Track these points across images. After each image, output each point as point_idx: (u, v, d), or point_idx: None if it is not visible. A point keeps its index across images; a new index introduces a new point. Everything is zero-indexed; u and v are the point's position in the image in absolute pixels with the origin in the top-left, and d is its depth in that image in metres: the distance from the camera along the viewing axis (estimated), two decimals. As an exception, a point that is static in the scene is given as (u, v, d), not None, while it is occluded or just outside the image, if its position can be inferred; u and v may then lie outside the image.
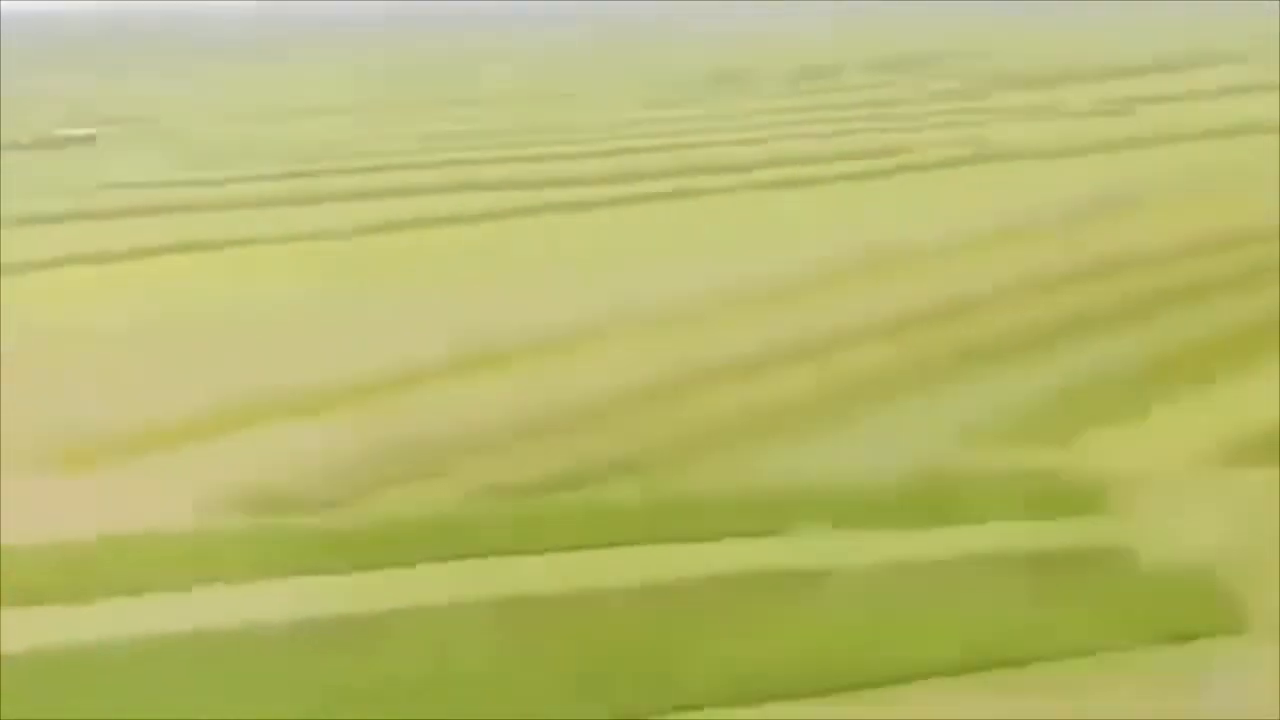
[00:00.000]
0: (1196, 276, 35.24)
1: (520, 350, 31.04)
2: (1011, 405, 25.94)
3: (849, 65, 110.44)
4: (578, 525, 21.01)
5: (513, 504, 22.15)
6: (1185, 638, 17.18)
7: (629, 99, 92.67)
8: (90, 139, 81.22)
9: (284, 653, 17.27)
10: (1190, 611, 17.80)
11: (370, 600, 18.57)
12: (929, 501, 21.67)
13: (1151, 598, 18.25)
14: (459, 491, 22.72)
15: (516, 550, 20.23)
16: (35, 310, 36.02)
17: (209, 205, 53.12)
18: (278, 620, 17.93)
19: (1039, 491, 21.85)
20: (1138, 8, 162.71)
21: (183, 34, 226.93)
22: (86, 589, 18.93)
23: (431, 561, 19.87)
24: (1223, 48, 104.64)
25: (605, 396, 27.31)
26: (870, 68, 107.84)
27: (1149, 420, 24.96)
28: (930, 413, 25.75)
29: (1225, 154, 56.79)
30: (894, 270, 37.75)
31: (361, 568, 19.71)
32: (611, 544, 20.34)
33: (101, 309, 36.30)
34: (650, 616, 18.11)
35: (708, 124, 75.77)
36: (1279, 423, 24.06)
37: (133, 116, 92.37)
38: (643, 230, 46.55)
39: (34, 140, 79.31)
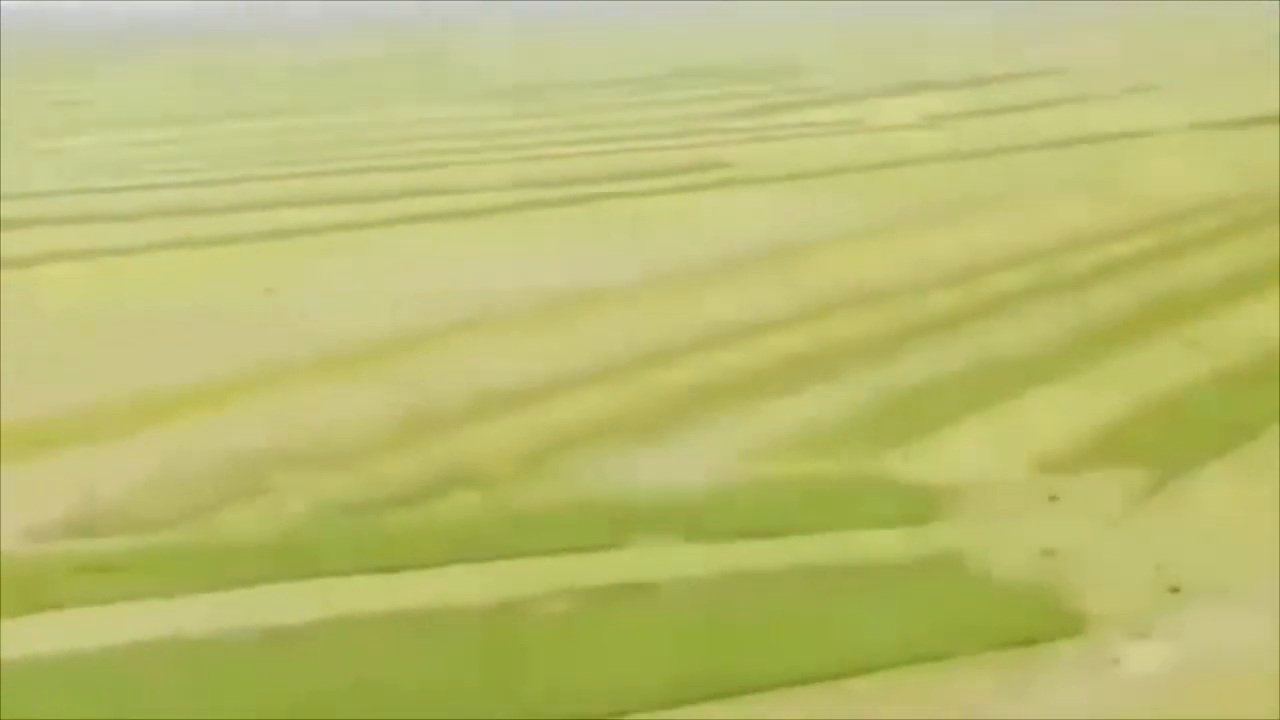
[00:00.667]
0: (1015, 286, 36.08)
1: (355, 362, 30.83)
2: (843, 414, 26.21)
3: (661, 76, 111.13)
4: (418, 542, 20.80)
5: (352, 521, 21.87)
6: (1024, 642, 17.50)
7: (433, 108, 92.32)
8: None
9: (117, 676, 16.89)
10: (1028, 616, 18.15)
11: (205, 622, 18.20)
12: (765, 512, 21.82)
13: (990, 604, 18.59)
14: (298, 508, 22.42)
15: (356, 569, 19.96)
16: None
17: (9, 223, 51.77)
18: (107, 645, 17.57)
19: (875, 500, 22.13)
20: (950, 21, 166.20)
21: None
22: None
23: (271, 581, 19.57)
24: (1037, 61, 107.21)
25: (442, 409, 27.13)
26: (684, 78, 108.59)
27: (977, 427, 25.43)
28: (764, 422, 25.92)
29: (1039, 166, 58.16)
30: (714, 282, 38.12)
31: (198, 589, 19.32)
32: (452, 561, 20.19)
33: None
34: (493, 633, 17.98)
35: (516, 136, 75.94)
36: (1097, 428, 24.73)
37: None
38: (463, 241, 46.36)
39: None
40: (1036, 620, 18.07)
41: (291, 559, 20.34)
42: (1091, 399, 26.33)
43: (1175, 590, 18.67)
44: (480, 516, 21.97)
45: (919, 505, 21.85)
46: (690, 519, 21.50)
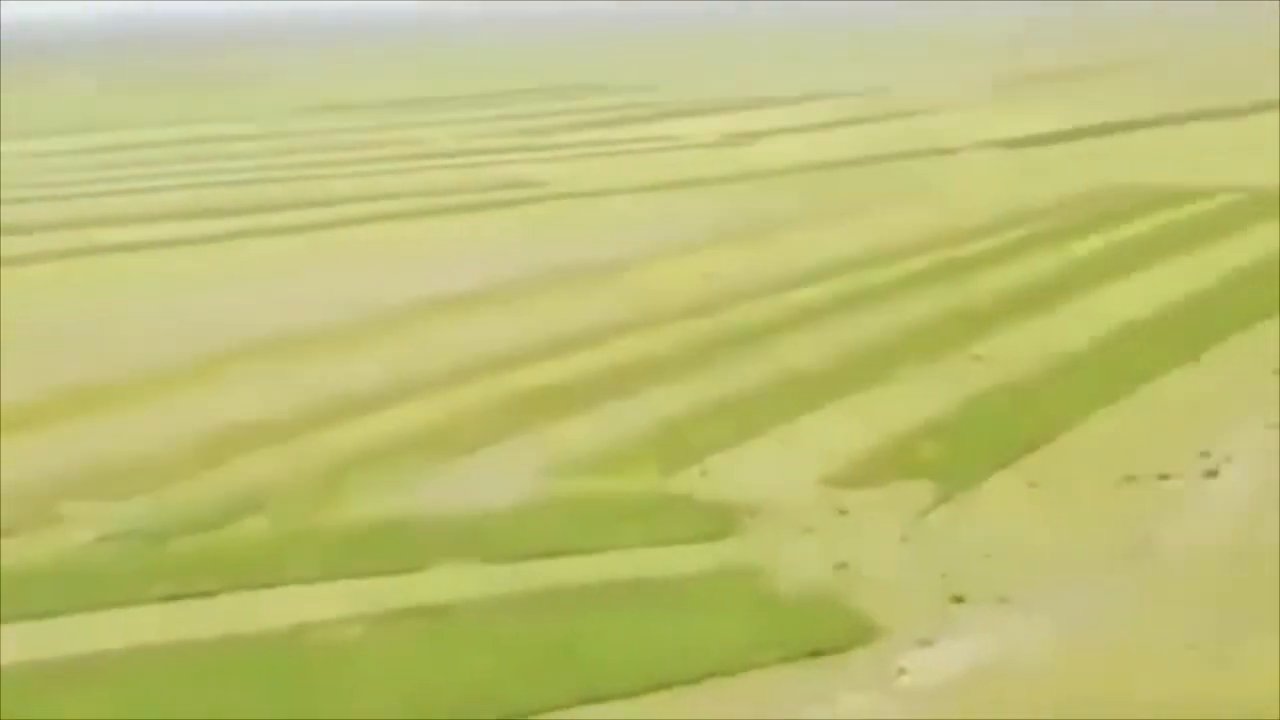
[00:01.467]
0: (814, 302, 36.59)
1: (137, 387, 30.31)
2: (640, 432, 26.36)
3: (477, 95, 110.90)
4: (207, 568, 20.46)
5: (141, 548, 21.45)
6: (815, 653, 17.77)
7: (244, 125, 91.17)
8: None
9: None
10: (820, 628, 18.40)
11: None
12: (561, 531, 21.82)
13: (783, 617, 18.81)
14: (85, 537, 21.94)
15: (145, 598, 19.58)
16: None
17: None
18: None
19: (671, 517, 22.25)
20: (767, 40, 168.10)
21: None
22: None
23: (58, 613, 19.14)
24: (855, 80, 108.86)
25: (234, 433, 26.76)
26: (501, 97, 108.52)
27: (771, 443, 25.69)
28: (562, 441, 25.96)
29: (844, 183, 59.04)
30: (512, 301, 38.16)
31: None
32: (242, 586, 19.91)
33: None
34: (284, 659, 17.79)
35: (330, 152, 75.41)
36: (886, 442, 25.15)
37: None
38: (274, 260, 45.84)
39: None
40: (827, 632, 18.32)
41: (78, 588, 19.92)
42: (882, 413, 26.76)
43: (959, 600, 19.08)
44: (271, 541, 21.69)
45: (714, 521, 22.03)
46: (486, 540, 21.43)
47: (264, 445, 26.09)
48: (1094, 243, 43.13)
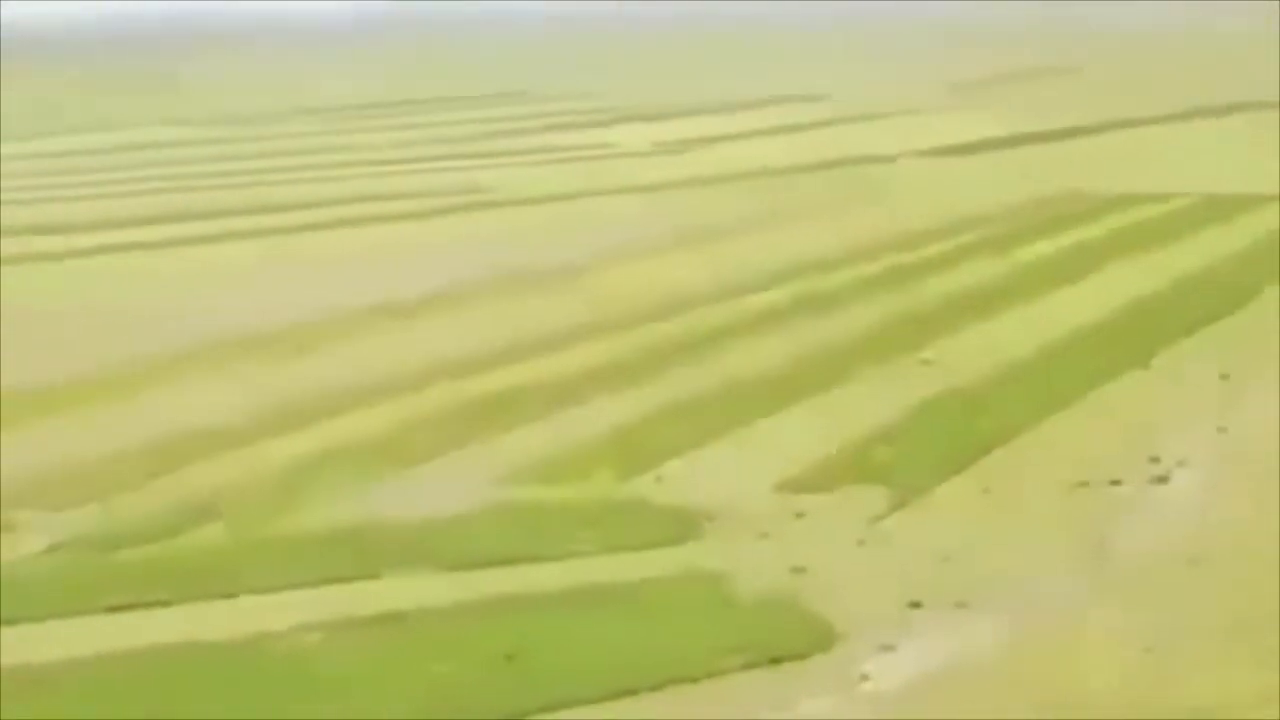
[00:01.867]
0: (765, 308, 36.69)
1: (87, 394, 30.01)
2: (596, 438, 26.36)
3: (418, 101, 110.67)
4: (162, 577, 20.31)
5: (95, 557, 21.26)
6: (776, 659, 17.77)
7: (172, 132, 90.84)
8: None
9: None
10: (780, 633, 18.42)
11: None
12: (517, 538, 21.79)
13: (743, 623, 18.82)
14: (36, 546, 21.67)
15: (98, 607, 19.40)
16: None
17: None
18: None
19: (628, 523, 22.26)
20: (706, 46, 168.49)
21: None
22: None
23: (8, 624, 18.85)
24: (794, 86, 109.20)
25: (186, 440, 26.60)
26: (441, 103, 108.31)
27: (727, 448, 25.77)
28: (517, 448, 25.93)
29: (790, 189, 59.20)
30: (461, 308, 38.10)
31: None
32: (198, 596, 19.76)
33: None
34: (241, 668, 17.66)
35: (261, 160, 75.19)
36: (841, 447, 25.26)
37: None
38: (204, 268, 45.63)
39: None
40: (787, 637, 18.34)
41: (28, 599, 19.69)
42: (835, 418, 26.88)
43: (917, 605, 19.16)
44: (228, 550, 21.56)
45: (670, 527, 22.03)
46: (442, 547, 21.35)
47: (218, 452, 25.93)
48: (1042, 248, 43.45)
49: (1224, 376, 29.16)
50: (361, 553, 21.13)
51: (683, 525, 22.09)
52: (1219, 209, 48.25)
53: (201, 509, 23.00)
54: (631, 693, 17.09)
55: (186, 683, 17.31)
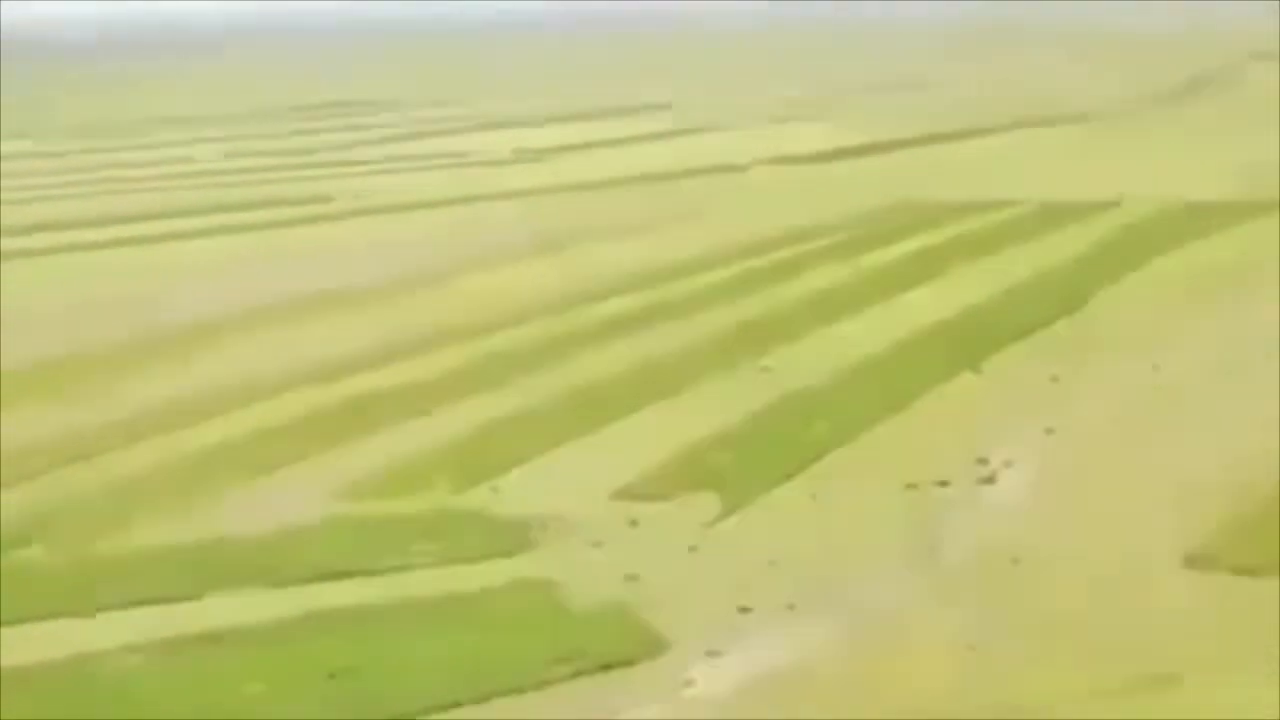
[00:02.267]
0: (611, 316, 36.68)
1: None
2: (433, 449, 26.24)
3: (267, 111, 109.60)
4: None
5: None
6: (606, 667, 17.82)
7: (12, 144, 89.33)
8: None
9: None
10: (611, 641, 18.45)
11: None
12: (349, 551, 21.60)
13: (575, 631, 18.82)
14: None
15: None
16: None
17: None
18: None
19: (463, 534, 22.18)
20: (551, 57, 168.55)
21: None
22: None
23: None
24: (645, 96, 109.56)
25: (13, 456, 26.11)
26: (291, 113, 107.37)
27: (563, 457, 25.77)
28: (353, 460, 25.75)
29: (638, 198, 59.38)
30: (303, 319, 37.77)
31: None
32: (18, 619, 19.38)
33: None
34: (61, 690, 17.41)
35: (105, 170, 74.18)
36: (675, 454, 25.37)
37: None
38: (37, 281, 44.90)
39: None
40: (618, 644, 18.38)
41: None
42: (673, 426, 26.96)
43: (746, 610, 19.30)
44: (48, 570, 21.18)
45: (504, 538, 21.99)
46: (273, 563, 21.12)
47: (44, 470, 25.48)
48: (886, 255, 43.96)
49: (1054, 379, 29.69)
50: (187, 572, 20.85)
51: (517, 536, 22.07)
52: (1054, 217, 49.18)
53: (25, 530, 22.54)
54: (455, 705, 17.06)
55: (7, 705, 16.97)
